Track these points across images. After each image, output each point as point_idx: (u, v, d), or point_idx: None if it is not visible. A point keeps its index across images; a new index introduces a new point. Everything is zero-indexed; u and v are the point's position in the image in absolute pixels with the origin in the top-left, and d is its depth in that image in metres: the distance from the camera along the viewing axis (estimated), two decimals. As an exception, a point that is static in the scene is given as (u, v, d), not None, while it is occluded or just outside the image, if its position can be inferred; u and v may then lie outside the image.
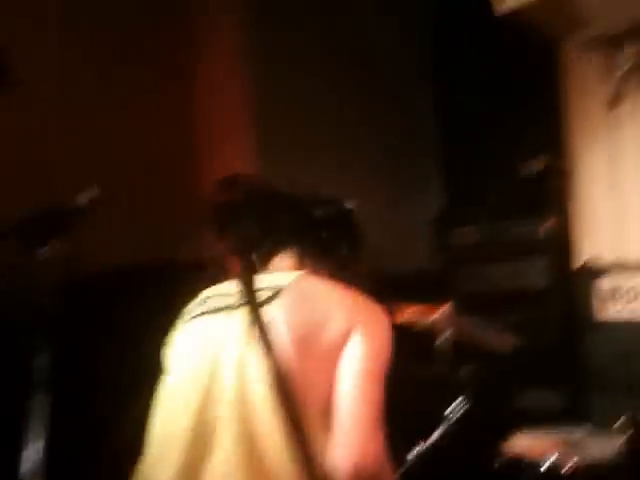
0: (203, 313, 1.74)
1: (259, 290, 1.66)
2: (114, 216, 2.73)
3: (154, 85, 4.16)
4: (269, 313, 1.61)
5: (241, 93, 4.46)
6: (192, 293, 1.85)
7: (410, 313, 3.09)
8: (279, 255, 1.83)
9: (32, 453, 1.40)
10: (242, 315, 1.63)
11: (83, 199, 1.71)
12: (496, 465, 2.80)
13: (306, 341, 1.59)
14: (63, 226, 1.67)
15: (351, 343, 1.61)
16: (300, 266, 1.81)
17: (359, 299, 1.73)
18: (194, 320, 1.74)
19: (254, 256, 1.80)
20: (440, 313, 3.03)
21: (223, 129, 4.44)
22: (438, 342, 3.01)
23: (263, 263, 1.81)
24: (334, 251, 1.87)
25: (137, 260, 3.86)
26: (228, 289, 1.73)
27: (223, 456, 1.56)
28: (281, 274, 1.74)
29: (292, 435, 1.53)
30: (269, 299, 1.64)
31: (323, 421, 1.58)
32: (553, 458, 2.68)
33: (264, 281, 1.70)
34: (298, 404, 1.55)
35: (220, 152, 4.37)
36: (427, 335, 3.05)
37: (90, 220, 1.74)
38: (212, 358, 1.64)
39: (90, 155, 3.84)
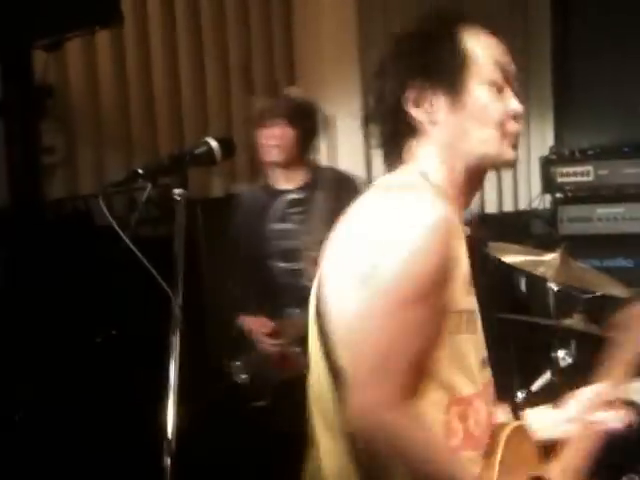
0: None
1: None
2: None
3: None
4: None
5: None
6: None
7: (517, 255, 3.06)
8: None
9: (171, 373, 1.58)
10: None
11: (213, 143, 1.74)
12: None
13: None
14: (188, 168, 1.73)
15: None
16: None
17: None
18: None
19: None
20: (550, 258, 2.98)
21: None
22: (547, 286, 2.97)
23: None
24: None
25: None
26: None
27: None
28: None
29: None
30: None
31: None
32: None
33: None
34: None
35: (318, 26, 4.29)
36: (537, 278, 3.01)
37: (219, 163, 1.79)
38: None
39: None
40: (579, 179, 4.08)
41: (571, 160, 4.13)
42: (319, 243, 3.13)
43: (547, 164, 4.22)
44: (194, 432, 1.81)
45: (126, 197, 2.93)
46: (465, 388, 1.46)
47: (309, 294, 1.87)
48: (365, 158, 4.41)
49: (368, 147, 4.36)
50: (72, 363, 2.64)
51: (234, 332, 3.08)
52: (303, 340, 2.80)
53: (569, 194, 4.08)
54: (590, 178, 4.06)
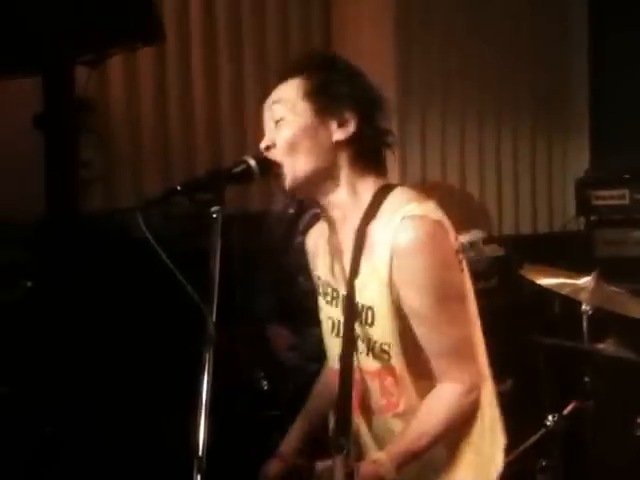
0: None
1: None
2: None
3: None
4: None
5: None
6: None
7: (551, 277, 3.04)
8: None
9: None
10: None
11: (252, 162, 1.76)
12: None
13: None
14: (226, 186, 1.73)
15: None
16: None
17: None
18: None
19: None
20: (585, 281, 2.96)
21: (360, 11, 4.31)
22: (580, 310, 2.94)
23: None
24: None
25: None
26: None
27: None
28: None
29: None
30: None
31: None
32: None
33: None
34: None
35: (357, 36, 4.31)
36: (570, 301, 2.99)
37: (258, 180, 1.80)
38: None
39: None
40: (615, 202, 4.05)
41: (607, 183, 4.10)
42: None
43: (583, 186, 4.20)
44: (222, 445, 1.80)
45: (163, 211, 2.95)
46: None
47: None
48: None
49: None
50: (104, 377, 2.65)
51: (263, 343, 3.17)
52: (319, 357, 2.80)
53: (604, 217, 4.06)
54: (626, 201, 4.02)
